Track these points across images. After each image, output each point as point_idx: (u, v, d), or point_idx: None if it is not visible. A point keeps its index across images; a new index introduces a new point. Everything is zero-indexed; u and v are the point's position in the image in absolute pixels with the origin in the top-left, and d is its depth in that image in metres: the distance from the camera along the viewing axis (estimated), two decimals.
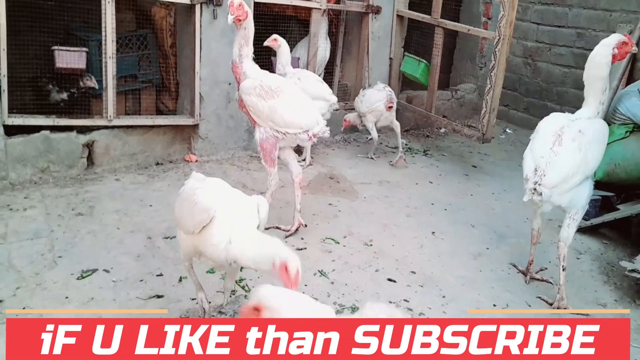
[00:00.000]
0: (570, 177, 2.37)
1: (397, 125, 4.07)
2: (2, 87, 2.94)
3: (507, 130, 5.23)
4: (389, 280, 2.52)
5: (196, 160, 3.64)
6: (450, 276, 2.60)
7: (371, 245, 2.82)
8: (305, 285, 2.40)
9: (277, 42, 3.61)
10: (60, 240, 2.56)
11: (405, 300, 2.36)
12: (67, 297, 2.16)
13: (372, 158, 4.05)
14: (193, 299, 2.21)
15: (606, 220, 3.07)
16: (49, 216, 2.76)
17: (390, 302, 2.33)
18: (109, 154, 3.37)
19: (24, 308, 2.07)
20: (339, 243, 2.80)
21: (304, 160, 3.80)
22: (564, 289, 2.41)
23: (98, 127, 3.31)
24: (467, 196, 3.56)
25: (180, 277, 2.35)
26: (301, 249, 2.69)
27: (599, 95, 2.46)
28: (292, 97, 2.74)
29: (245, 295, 2.27)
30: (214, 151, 3.74)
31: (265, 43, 3.61)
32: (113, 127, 3.34)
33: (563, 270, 2.41)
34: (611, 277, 2.73)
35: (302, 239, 2.81)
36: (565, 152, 2.38)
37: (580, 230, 3.14)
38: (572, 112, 4.98)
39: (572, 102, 4.98)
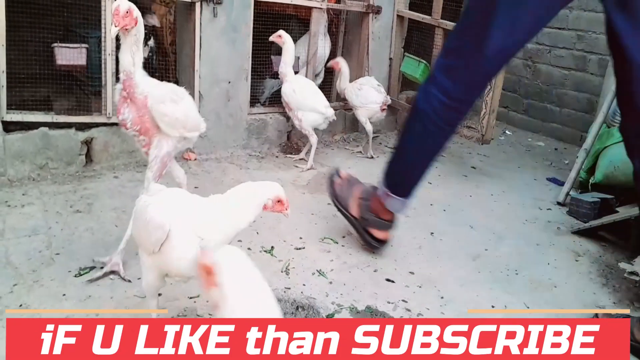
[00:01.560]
0: None
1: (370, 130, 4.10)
2: (1, 83, 2.93)
3: (507, 131, 5.24)
4: (388, 280, 2.51)
5: (195, 159, 3.64)
6: (448, 277, 2.59)
7: None
8: (304, 284, 2.39)
9: (281, 38, 3.62)
10: (58, 237, 2.55)
11: (403, 300, 2.35)
12: (64, 295, 2.15)
13: (371, 157, 4.05)
14: (191, 298, 2.21)
15: (605, 222, 3.07)
16: (47, 213, 2.75)
17: (389, 302, 2.32)
18: (108, 151, 3.36)
19: (20, 305, 2.06)
20: (337, 243, 2.79)
21: (301, 159, 3.79)
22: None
23: (97, 124, 3.30)
24: (466, 197, 3.56)
25: None
26: (299, 248, 2.69)
27: None
28: (190, 98, 2.49)
29: None
30: (212, 149, 3.74)
31: (270, 38, 3.65)
32: (112, 124, 3.33)
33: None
34: (610, 280, 2.72)
35: (300, 238, 2.80)
36: None
37: (579, 232, 3.15)
38: (570, 114, 5.00)
39: (571, 105, 5.00)
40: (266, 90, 4.21)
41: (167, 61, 3.85)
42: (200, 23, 3.48)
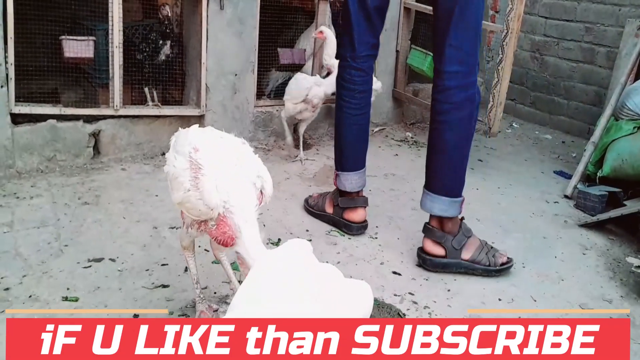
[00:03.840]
0: None
1: None
2: (10, 76, 2.95)
3: (514, 124, 5.22)
4: (394, 273, 2.52)
5: None
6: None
7: (376, 238, 2.82)
8: None
9: (323, 34, 3.72)
10: (67, 229, 2.57)
11: (410, 293, 2.36)
12: (73, 286, 2.16)
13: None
14: None
15: (613, 216, 3.06)
16: (56, 205, 2.77)
17: (396, 295, 2.33)
18: (115, 144, 3.38)
19: (30, 296, 2.08)
20: (344, 235, 2.80)
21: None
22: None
23: (104, 117, 3.31)
24: (473, 190, 3.55)
25: (186, 268, 2.36)
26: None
27: None
28: None
29: None
30: None
31: (312, 35, 3.85)
32: (119, 116, 3.34)
33: None
34: (617, 273, 2.72)
35: (307, 230, 2.81)
36: None
37: (587, 225, 3.14)
38: (578, 107, 4.96)
39: (579, 97, 4.97)
40: (270, 82, 4.20)
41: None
42: (207, 15, 3.48)
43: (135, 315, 2.03)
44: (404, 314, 2.20)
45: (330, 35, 3.69)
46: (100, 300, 2.10)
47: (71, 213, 2.71)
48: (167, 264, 2.38)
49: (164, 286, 2.23)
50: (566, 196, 3.57)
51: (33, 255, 2.33)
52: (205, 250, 2.43)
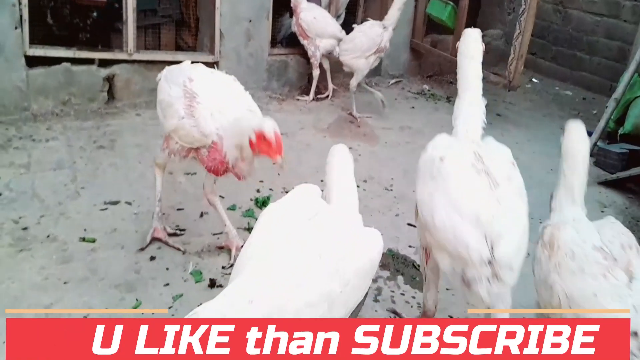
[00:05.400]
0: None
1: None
2: (24, 17, 2.89)
3: (534, 79, 5.11)
4: (409, 225, 2.51)
5: None
6: None
7: (391, 190, 2.80)
8: None
9: None
10: (83, 172, 2.57)
11: None
12: (90, 227, 2.18)
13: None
14: (214, 234, 2.24)
15: (633, 174, 3.01)
16: (71, 148, 2.77)
17: (410, 247, 2.33)
18: (129, 89, 3.34)
19: (48, 236, 2.10)
20: (359, 187, 2.77)
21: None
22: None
23: (118, 61, 3.26)
24: None
25: (202, 212, 2.37)
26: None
27: None
28: None
29: None
30: None
31: None
32: (133, 61, 3.29)
33: None
34: (636, 232, 2.65)
35: (321, 180, 2.77)
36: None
37: (606, 183, 3.10)
38: (601, 63, 4.81)
39: (602, 52, 4.83)
40: (283, 29, 4.10)
41: None
42: None
43: (152, 258, 2.05)
44: (420, 265, 2.20)
45: None
46: (118, 242, 2.12)
47: (87, 156, 2.71)
48: (182, 209, 2.38)
49: (180, 230, 2.24)
50: None
51: (50, 197, 2.34)
52: (220, 196, 2.42)
